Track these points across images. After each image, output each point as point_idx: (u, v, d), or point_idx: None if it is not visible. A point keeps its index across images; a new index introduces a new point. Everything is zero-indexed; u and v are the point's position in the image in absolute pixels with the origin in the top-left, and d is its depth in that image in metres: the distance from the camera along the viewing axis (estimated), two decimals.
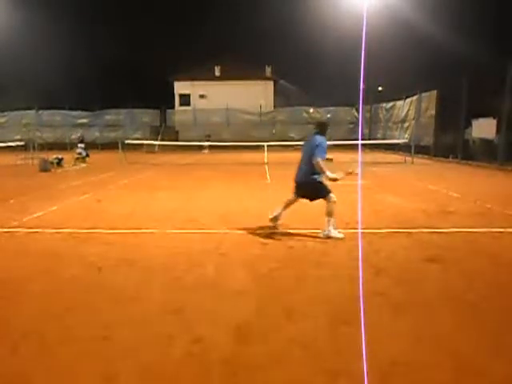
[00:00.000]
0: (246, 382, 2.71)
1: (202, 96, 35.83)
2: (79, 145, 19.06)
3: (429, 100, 22.03)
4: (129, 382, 2.72)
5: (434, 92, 21.38)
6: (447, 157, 19.55)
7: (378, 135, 29.65)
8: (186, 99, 36.15)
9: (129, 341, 3.21)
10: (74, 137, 32.86)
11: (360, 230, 6.42)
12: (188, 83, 36.01)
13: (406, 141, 22.16)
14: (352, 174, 6.59)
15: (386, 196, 9.65)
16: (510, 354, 3.00)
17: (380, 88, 37.39)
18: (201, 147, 27.06)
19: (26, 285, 4.36)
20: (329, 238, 5.99)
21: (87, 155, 18.90)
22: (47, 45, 38.53)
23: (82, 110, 34.99)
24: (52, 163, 16.32)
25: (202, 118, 34.22)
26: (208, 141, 27.29)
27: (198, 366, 2.87)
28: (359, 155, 20.43)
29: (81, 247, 5.68)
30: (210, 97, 35.47)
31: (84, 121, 35.01)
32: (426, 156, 21.26)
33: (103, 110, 34.92)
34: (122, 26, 47.99)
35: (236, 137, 30.84)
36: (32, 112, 33.74)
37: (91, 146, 28.61)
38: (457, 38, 28.21)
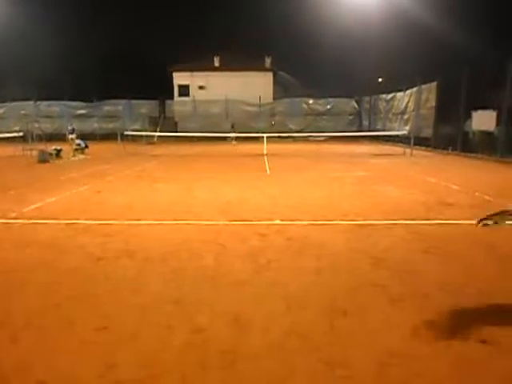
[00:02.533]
0: (244, 371, 2.73)
1: (201, 87, 35.65)
2: (70, 136, 19.08)
3: (429, 91, 21.96)
4: (129, 372, 2.74)
5: (434, 83, 21.30)
6: (447, 149, 19.53)
7: (378, 127, 29.60)
8: (185, 90, 35.97)
9: (128, 331, 3.23)
10: (70, 128, 32.80)
11: (359, 222, 6.43)
12: (187, 74, 35.81)
13: (406, 133, 22.14)
14: None
15: (385, 188, 9.65)
16: (508, 347, 3.02)
17: (380, 79, 37.24)
18: (225, 138, 26.72)
19: (25, 275, 4.38)
20: None
21: (86, 146, 18.85)
22: (45, 35, 38.25)
23: (81, 100, 34.86)
24: (51, 154, 16.29)
25: (201, 108, 34.12)
26: (233, 131, 27.23)
27: (198, 355, 2.89)
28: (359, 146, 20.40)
29: (80, 238, 5.69)
30: (209, 88, 35.30)
31: (82, 112, 34.89)
32: (425, 148, 21.22)
33: (102, 100, 34.79)
34: (121, 16, 47.57)
35: (235, 128, 30.80)
36: (30, 103, 33.59)
37: (90, 137, 28.56)
38: (457, 29, 28.03)
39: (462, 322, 3.36)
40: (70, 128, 19.95)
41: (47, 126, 31.63)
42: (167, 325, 3.31)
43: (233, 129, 28.00)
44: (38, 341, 3.11)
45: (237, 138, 26.53)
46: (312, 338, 3.11)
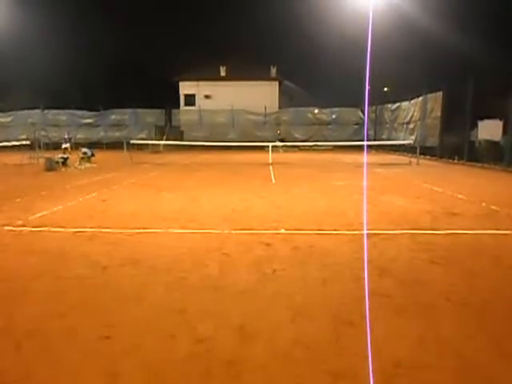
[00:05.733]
0: (249, 382, 2.71)
1: (207, 96, 35.86)
2: (63, 145, 19.30)
3: (434, 101, 21.95)
4: (132, 381, 2.73)
5: (440, 93, 21.29)
6: (453, 158, 19.47)
7: (383, 136, 29.57)
8: (191, 99, 36.20)
9: (132, 340, 3.21)
10: (79, 136, 33.08)
11: (365, 231, 6.39)
12: (193, 83, 36.06)
13: (412, 142, 22.11)
14: None
15: (391, 197, 9.62)
16: None
17: (385, 89, 37.29)
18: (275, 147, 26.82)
19: (30, 283, 4.38)
20: None
21: (92, 155, 18.95)
22: (52, 44, 38.71)
23: (88, 109, 35.15)
24: (57, 163, 16.38)
25: (207, 118, 34.27)
26: (282, 140, 27.49)
27: (202, 365, 2.87)
28: (364, 156, 20.40)
29: (85, 246, 5.70)
30: (215, 97, 35.50)
31: (89, 120, 35.16)
32: (431, 157, 21.18)
33: (108, 109, 35.05)
34: (128, 25, 48.16)
35: (241, 137, 30.89)
36: (38, 111, 33.91)
37: (96, 145, 28.77)
38: (463, 38, 28.08)
39: (467, 331, 3.32)
40: (66, 137, 20.25)
41: (54, 135, 31.91)
42: (171, 334, 3.29)
43: (279, 136, 28.34)
44: (42, 349, 3.10)
45: (283, 147, 26.73)
46: (317, 349, 3.08)
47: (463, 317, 3.59)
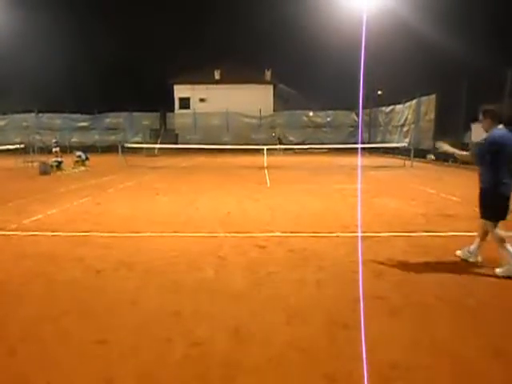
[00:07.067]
0: None
1: (201, 99, 35.89)
2: (54, 149, 19.37)
3: (428, 104, 22.10)
4: None
5: (433, 96, 21.44)
6: (447, 160, 19.57)
7: (378, 139, 29.70)
8: (185, 102, 36.21)
9: (127, 344, 3.20)
10: (73, 140, 33.04)
11: (359, 234, 6.41)
12: (188, 87, 36.07)
13: (406, 145, 22.23)
14: None
15: (386, 200, 9.65)
16: (509, 357, 3.00)
17: (379, 92, 37.44)
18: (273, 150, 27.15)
19: (23, 288, 4.35)
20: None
21: (87, 158, 18.90)
22: (47, 48, 38.62)
23: (82, 113, 35.06)
24: (52, 166, 16.32)
25: (201, 121, 34.29)
26: (278, 139, 27.92)
27: (197, 369, 2.87)
28: (359, 158, 20.48)
29: (79, 250, 5.67)
30: (209, 100, 35.53)
31: (84, 124, 35.10)
32: (425, 160, 21.26)
33: (103, 113, 34.99)
34: (122, 29, 48.09)
35: (236, 140, 30.90)
36: (32, 115, 33.79)
37: (91, 149, 28.67)
38: (457, 41, 28.27)
39: (462, 332, 3.34)
40: (54, 141, 20.39)
41: (48, 139, 31.83)
42: (167, 338, 3.28)
43: (279, 140, 28.80)
44: (36, 354, 3.09)
45: (281, 149, 27.21)
46: (312, 351, 3.08)
47: (458, 318, 3.61)
